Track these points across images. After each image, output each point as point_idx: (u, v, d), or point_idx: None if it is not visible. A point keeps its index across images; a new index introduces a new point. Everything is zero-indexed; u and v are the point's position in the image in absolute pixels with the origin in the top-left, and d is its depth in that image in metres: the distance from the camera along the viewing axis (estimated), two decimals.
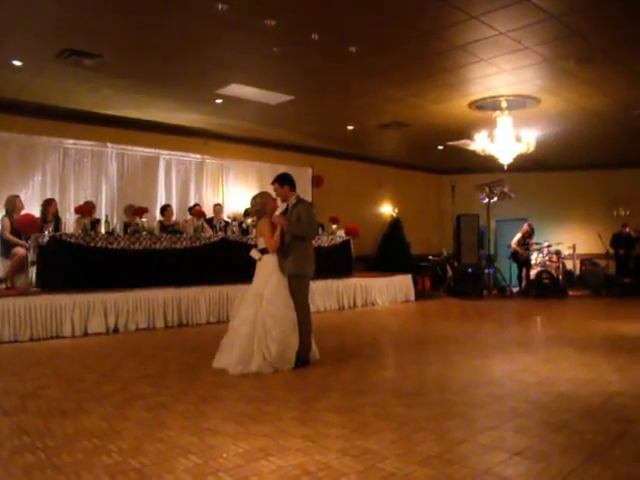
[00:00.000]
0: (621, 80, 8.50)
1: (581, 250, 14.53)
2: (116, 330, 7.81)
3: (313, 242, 10.31)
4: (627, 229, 14.15)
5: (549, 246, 13.50)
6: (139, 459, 3.00)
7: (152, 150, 10.98)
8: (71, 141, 9.94)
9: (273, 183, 5.77)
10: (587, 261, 14.50)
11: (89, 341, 7.21)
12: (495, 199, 13.21)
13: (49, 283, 7.65)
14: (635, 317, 9.28)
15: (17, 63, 7.53)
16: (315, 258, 5.76)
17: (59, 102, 9.40)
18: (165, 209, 10.02)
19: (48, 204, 8.71)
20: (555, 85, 8.74)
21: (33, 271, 8.00)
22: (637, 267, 13.82)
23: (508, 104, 9.62)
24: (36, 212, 8.63)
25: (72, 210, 9.34)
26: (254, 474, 2.79)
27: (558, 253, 13.54)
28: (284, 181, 5.69)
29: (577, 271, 14.58)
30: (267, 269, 5.44)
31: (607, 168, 15.03)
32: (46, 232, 7.85)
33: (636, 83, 8.62)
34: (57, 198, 9.51)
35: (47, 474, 2.80)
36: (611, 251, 14.15)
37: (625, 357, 5.80)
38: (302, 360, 5.40)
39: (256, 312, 5.27)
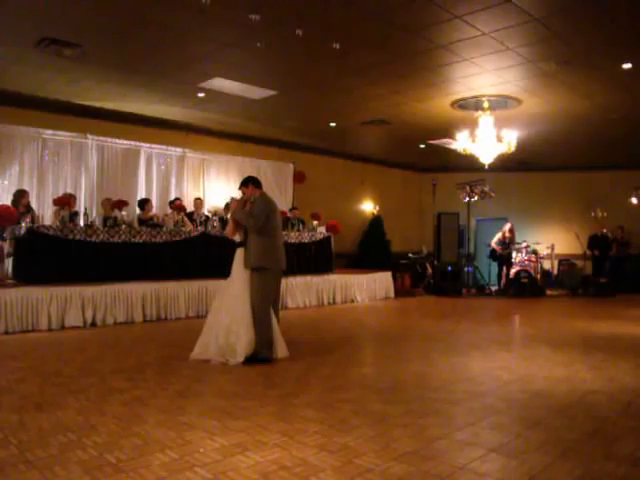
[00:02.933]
0: (599, 83, 8.61)
1: (559, 250, 14.71)
2: (94, 324, 7.73)
3: (295, 237, 10.52)
4: (604, 230, 14.37)
5: (527, 247, 13.65)
6: (115, 454, 2.97)
7: (133, 143, 10.87)
8: (50, 132, 9.80)
9: (240, 189, 5.89)
10: (565, 261, 14.69)
11: (66, 335, 7.12)
12: (475, 198, 13.31)
13: (25, 275, 7.55)
14: (610, 317, 9.41)
15: None
16: (281, 251, 5.68)
17: (38, 91, 9.27)
18: (146, 203, 9.89)
19: (20, 196, 8.55)
20: (536, 86, 8.83)
21: (9, 263, 7.88)
22: (613, 268, 14.05)
23: (490, 104, 9.70)
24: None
25: (50, 202, 9.21)
26: (231, 469, 2.79)
27: (535, 253, 13.70)
28: (247, 182, 5.80)
29: (555, 271, 14.76)
30: (235, 261, 5.62)
31: (586, 170, 15.24)
32: (23, 224, 7.73)
33: (612, 87, 8.75)
34: (35, 189, 9.42)
35: (20, 470, 2.76)
36: (588, 252, 14.36)
37: (599, 356, 5.88)
38: (259, 357, 5.33)
39: (220, 302, 5.57)
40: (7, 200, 8.61)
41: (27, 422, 3.51)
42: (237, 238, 5.68)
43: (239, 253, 5.61)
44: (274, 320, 5.55)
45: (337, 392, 4.33)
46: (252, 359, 5.30)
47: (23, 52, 7.47)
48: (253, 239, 5.51)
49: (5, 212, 7.85)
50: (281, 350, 5.56)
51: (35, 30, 6.78)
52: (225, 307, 5.47)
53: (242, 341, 5.30)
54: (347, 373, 5.10)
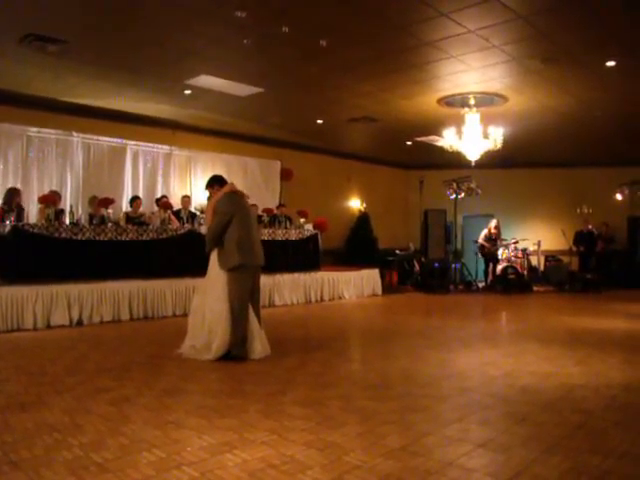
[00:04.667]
0: (584, 81, 8.67)
1: (545, 246, 14.82)
2: (80, 323, 7.66)
3: (282, 235, 10.51)
4: (589, 226, 14.50)
5: (516, 242, 13.71)
6: (101, 454, 2.95)
7: (119, 140, 10.79)
8: (35, 129, 9.70)
9: (206, 189, 5.98)
10: (551, 257, 14.79)
11: (52, 334, 7.06)
12: (462, 195, 13.35)
13: (10, 274, 7.45)
14: (596, 312, 9.49)
15: None
16: (255, 247, 5.59)
17: (22, 88, 9.15)
18: (134, 200, 9.86)
19: (15, 194, 8.48)
20: (522, 84, 8.87)
21: None
22: (598, 264, 14.18)
23: (476, 101, 9.74)
24: None
25: (35, 200, 9.13)
26: (218, 467, 2.78)
27: (524, 250, 13.79)
28: (211, 184, 5.87)
29: (541, 267, 14.86)
30: (211, 260, 5.61)
31: (571, 167, 15.36)
32: (7, 222, 7.65)
33: (597, 84, 8.81)
34: (20, 187, 9.30)
35: (3, 471, 2.73)
36: (574, 248, 14.48)
37: (586, 351, 5.93)
38: (232, 355, 5.31)
39: (198, 302, 5.63)
40: None
41: (12, 422, 3.47)
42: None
43: (214, 253, 5.56)
44: (253, 318, 5.47)
45: (325, 389, 4.32)
46: (225, 357, 5.30)
47: (7, 48, 7.38)
48: (225, 240, 5.46)
49: None
50: (259, 350, 5.44)
51: (20, 26, 6.70)
52: (207, 307, 5.47)
53: (218, 339, 5.32)
54: (335, 370, 5.10)
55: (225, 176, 6.11)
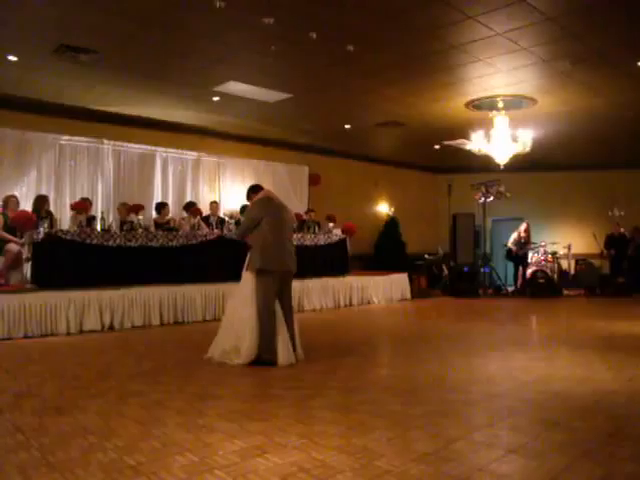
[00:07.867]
0: (614, 81, 8.55)
1: (576, 250, 14.57)
2: (111, 328, 7.78)
3: (310, 240, 10.54)
4: (621, 229, 14.22)
5: (544, 246, 13.53)
6: (135, 456, 2.99)
7: (148, 147, 10.98)
8: (67, 137, 9.92)
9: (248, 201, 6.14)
10: (582, 261, 14.55)
11: (84, 339, 7.19)
12: (491, 198, 13.23)
13: (44, 280, 7.63)
14: (628, 316, 9.31)
15: (12, 58, 7.52)
16: (284, 252, 5.57)
17: (55, 98, 9.38)
18: (162, 207, 10.00)
19: (43, 201, 8.69)
20: (551, 86, 8.78)
21: (28, 268, 7.98)
22: (630, 267, 13.89)
23: (505, 104, 9.66)
24: (29, 209, 8.58)
25: (67, 207, 9.32)
26: (250, 471, 2.80)
27: (554, 254, 13.60)
28: (249, 195, 6.02)
29: (572, 271, 14.63)
30: (245, 264, 5.69)
31: (602, 169, 15.11)
32: (41, 229, 7.81)
33: (628, 84, 8.68)
34: (52, 195, 9.53)
35: (42, 472, 2.79)
36: (605, 252, 14.22)
37: (618, 356, 5.82)
38: (261, 360, 5.29)
39: (230, 306, 5.77)
40: (26, 206, 8.73)
41: (48, 425, 3.55)
42: (249, 241, 5.69)
43: (248, 256, 5.64)
44: (281, 324, 5.42)
45: (355, 394, 4.32)
46: (255, 362, 5.31)
47: (42, 59, 7.57)
48: (253, 242, 5.54)
49: (24, 218, 7.97)
50: (284, 356, 5.35)
51: (53, 37, 6.87)
52: (236, 311, 5.53)
53: (247, 343, 5.33)
54: (364, 375, 5.09)
55: (254, 181, 6.18)
